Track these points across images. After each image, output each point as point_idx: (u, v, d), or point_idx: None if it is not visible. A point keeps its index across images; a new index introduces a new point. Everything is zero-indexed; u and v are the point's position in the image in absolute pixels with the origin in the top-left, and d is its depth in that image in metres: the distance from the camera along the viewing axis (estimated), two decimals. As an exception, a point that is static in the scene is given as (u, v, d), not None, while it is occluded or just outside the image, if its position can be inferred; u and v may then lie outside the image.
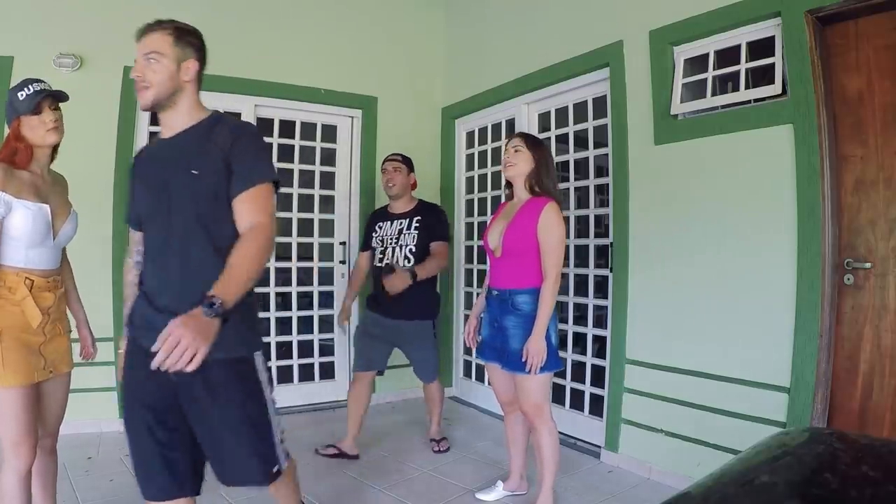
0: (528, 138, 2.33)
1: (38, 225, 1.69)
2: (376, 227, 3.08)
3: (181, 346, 1.15)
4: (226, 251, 1.35)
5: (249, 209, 1.39)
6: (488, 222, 2.48)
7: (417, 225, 2.98)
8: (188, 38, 1.46)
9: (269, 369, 1.54)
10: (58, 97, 1.76)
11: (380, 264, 2.99)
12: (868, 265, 2.13)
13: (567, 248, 2.76)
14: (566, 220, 2.33)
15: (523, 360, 2.14)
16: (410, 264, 2.91)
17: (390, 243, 2.99)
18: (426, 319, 3.01)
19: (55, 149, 1.83)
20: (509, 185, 2.37)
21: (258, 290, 4.08)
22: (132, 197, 1.58)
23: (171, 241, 1.43)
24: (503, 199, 2.50)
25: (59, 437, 1.89)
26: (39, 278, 1.71)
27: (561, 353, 2.58)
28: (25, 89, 1.70)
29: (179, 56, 1.43)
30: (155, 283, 1.47)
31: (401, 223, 3.01)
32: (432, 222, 3.01)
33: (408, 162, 3.10)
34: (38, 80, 1.74)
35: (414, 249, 2.94)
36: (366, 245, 3.15)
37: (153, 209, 1.47)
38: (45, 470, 1.84)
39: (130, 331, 1.50)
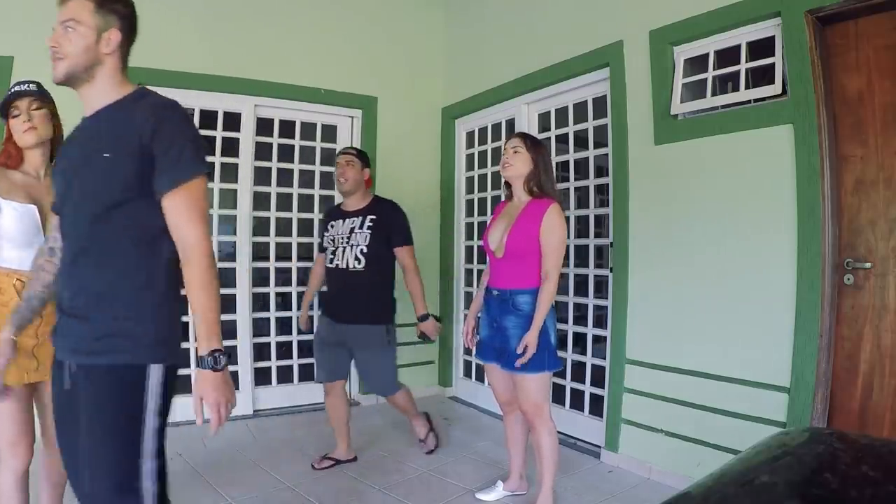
0: (526, 139, 2.32)
1: (27, 226, 1.69)
2: (328, 226, 2.85)
3: (219, 412, 1.23)
4: (139, 248, 1.26)
5: (181, 215, 1.25)
6: (488, 222, 2.48)
7: (371, 224, 2.72)
8: (112, 6, 1.30)
9: (167, 394, 1.28)
10: (39, 96, 1.75)
11: (331, 265, 2.78)
12: (868, 265, 2.13)
13: (567, 248, 2.76)
14: (566, 220, 2.33)
15: (519, 353, 2.14)
16: (361, 265, 2.69)
17: (341, 243, 2.74)
18: (376, 324, 2.71)
19: (55, 148, 1.82)
20: (508, 185, 2.37)
21: (258, 290, 4.06)
22: (54, 181, 1.44)
23: (75, 231, 1.29)
24: (503, 199, 2.50)
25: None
26: None
27: (561, 353, 2.58)
28: (9, 93, 1.72)
29: (100, 25, 1.27)
30: (59, 280, 1.35)
31: (353, 221, 2.76)
32: (388, 223, 2.75)
33: (362, 156, 2.86)
34: (21, 83, 1.75)
35: (365, 250, 2.69)
36: (321, 246, 2.92)
37: (63, 195, 1.33)
38: (55, 471, 1.82)
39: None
